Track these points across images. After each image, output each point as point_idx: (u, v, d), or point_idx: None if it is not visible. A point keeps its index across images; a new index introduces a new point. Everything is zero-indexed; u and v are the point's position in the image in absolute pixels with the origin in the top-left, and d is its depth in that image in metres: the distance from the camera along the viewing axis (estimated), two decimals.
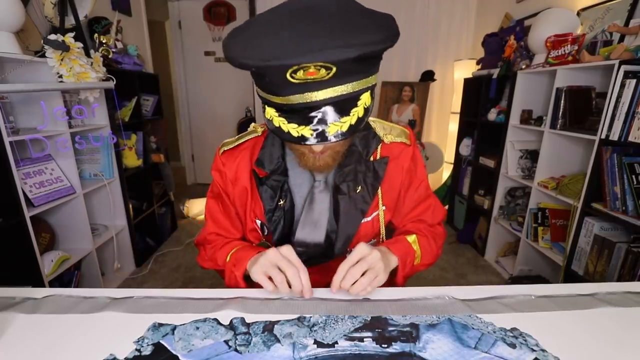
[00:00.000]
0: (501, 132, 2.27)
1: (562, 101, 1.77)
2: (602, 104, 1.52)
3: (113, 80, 1.85)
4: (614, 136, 1.44)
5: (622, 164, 1.44)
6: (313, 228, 0.76)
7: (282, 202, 0.75)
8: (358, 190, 0.75)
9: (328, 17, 0.50)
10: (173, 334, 0.53)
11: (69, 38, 1.60)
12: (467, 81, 2.78)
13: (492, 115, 2.41)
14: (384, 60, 0.57)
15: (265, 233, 0.78)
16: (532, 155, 2.20)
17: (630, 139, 1.38)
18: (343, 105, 0.55)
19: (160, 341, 0.52)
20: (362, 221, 0.77)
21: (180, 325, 0.55)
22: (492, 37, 2.55)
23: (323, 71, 0.49)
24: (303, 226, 0.76)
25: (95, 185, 1.96)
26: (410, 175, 0.81)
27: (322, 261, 0.77)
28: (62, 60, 1.58)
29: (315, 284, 0.64)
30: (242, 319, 0.57)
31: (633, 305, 0.61)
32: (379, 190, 0.77)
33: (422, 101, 3.12)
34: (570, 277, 1.72)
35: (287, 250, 0.63)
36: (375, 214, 0.78)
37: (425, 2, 3.20)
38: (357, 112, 0.56)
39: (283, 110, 0.56)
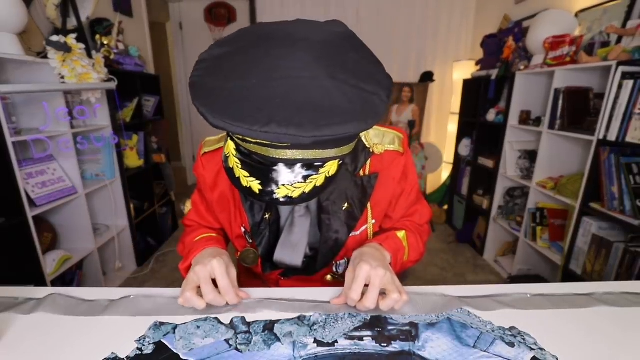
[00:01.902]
0: (500, 132, 2.28)
1: (560, 102, 1.78)
2: (600, 104, 1.53)
3: (114, 81, 1.86)
4: (612, 136, 1.45)
5: (620, 164, 1.45)
6: (291, 251, 0.74)
7: (267, 216, 0.72)
8: (345, 207, 0.71)
9: (309, 73, 0.44)
10: (174, 333, 0.54)
11: (71, 39, 1.61)
12: (466, 82, 2.79)
13: (491, 115, 2.42)
14: (383, 60, 0.53)
15: (251, 242, 0.76)
16: (530, 156, 2.21)
17: (628, 139, 1.39)
18: (302, 170, 0.48)
19: (162, 340, 0.53)
20: (351, 235, 0.74)
21: (182, 324, 0.56)
22: (491, 38, 2.55)
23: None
24: (282, 248, 0.74)
25: (97, 186, 1.97)
26: (401, 185, 0.76)
27: (301, 274, 0.76)
28: (64, 61, 1.59)
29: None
30: (243, 318, 0.57)
31: (630, 305, 0.61)
32: (368, 205, 0.74)
33: (422, 102, 3.13)
34: (569, 276, 1.73)
35: (217, 264, 0.59)
36: (364, 227, 0.76)
37: (425, 3, 3.21)
38: (316, 180, 0.49)
39: (240, 152, 0.50)
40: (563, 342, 0.52)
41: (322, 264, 0.74)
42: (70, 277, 1.82)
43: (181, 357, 0.50)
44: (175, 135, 4.83)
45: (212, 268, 0.59)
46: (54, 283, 1.61)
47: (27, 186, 1.54)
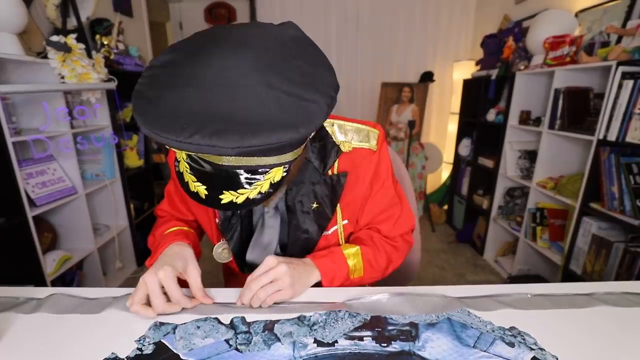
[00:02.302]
0: (500, 132, 2.28)
1: (560, 102, 1.78)
2: (600, 104, 1.53)
3: (114, 81, 1.86)
4: (612, 136, 1.45)
5: (620, 164, 1.45)
6: (262, 252, 0.74)
7: (238, 210, 0.71)
8: (314, 206, 0.70)
9: (247, 81, 0.44)
10: (174, 333, 0.54)
11: (70, 39, 1.61)
12: (466, 82, 2.79)
13: (491, 115, 2.42)
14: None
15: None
16: (530, 156, 2.21)
17: (628, 139, 1.39)
18: (245, 175, 0.49)
19: (162, 340, 0.53)
20: (323, 234, 0.73)
21: (182, 324, 0.56)
22: (491, 38, 2.55)
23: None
24: (253, 249, 0.74)
25: (97, 186, 1.97)
26: (372, 185, 0.74)
27: None
28: (64, 61, 1.59)
29: None
30: (243, 318, 0.57)
31: (631, 305, 0.61)
32: (338, 206, 0.72)
33: (422, 102, 3.13)
34: (569, 276, 1.73)
35: (163, 275, 0.58)
36: (333, 229, 0.74)
37: (425, 3, 3.21)
38: (261, 186, 0.49)
39: (190, 157, 0.50)
40: (563, 342, 0.52)
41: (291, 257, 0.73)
42: (70, 277, 1.82)
43: (181, 357, 0.50)
44: None
45: (160, 279, 0.58)
46: (54, 283, 1.61)
47: (27, 186, 1.54)
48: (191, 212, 0.81)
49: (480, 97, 2.57)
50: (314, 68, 0.50)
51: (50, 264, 1.62)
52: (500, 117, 2.34)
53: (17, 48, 1.47)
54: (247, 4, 3.39)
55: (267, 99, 0.44)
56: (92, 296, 0.64)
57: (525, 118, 2.11)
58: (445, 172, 3.42)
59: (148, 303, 0.58)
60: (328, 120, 0.71)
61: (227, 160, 0.46)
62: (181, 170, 0.52)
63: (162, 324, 0.56)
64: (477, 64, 2.71)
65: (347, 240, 0.78)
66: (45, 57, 1.57)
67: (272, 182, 0.50)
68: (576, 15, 2.03)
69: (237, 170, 0.48)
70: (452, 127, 3.20)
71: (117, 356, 0.50)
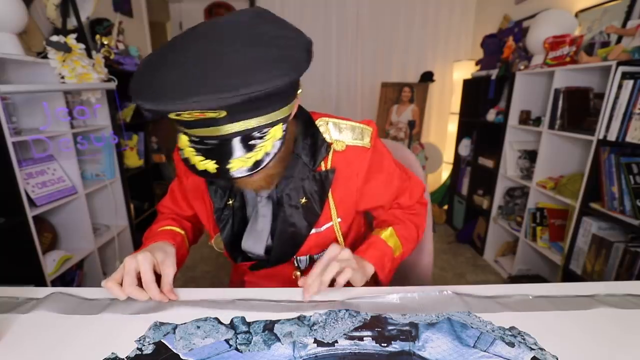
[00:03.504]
0: (500, 132, 2.28)
1: (560, 102, 1.78)
2: (600, 104, 1.53)
3: (115, 81, 1.86)
4: (612, 136, 1.45)
5: (620, 164, 1.45)
6: (256, 240, 0.75)
7: (231, 202, 0.74)
8: (303, 201, 0.71)
9: (224, 48, 0.48)
10: (174, 333, 0.54)
11: (70, 39, 1.61)
12: (466, 82, 2.79)
13: (491, 115, 2.42)
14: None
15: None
16: (530, 156, 2.21)
17: (628, 139, 1.39)
18: (248, 140, 0.52)
19: (162, 340, 0.53)
20: (312, 232, 0.74)
21: (182, 324, 0.56)
22: (491, 38, 2.55)
23: (211, 113, 0.47)
24: (248, 237, 0.76)
25: (97, 186, 1.97)
26: (371, 177, 0.76)
27: (268, 266, 0.77)
28: (64, 61, 1.59)
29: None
30: (243, 318, 0.57)
31: (633, 307, 0.61)
32: (331, 202, 0.74)
33: (422, 102, 3.13)
34: (569, 276, 1.73)
35: (142, 258, 0.61)
36: (328, 225, 0.75)
37: (425, 3, 3.21)
38: (264, 147, 0.52)
39: (192, 140, 0.54)
40: (563, 343, 0.52)
41: (280, 255, 0.75)
42: (71, 277, 1.82)
43: (181, 357, 0.50)
44: (175, 135, 4.82)
45: (137, 262, 0.61)
46: (54, 283, 1.61)
47: (27, 186, 1.54)
48: (191, 207, 0.84)
49: (480, 97, 2.57)
50: (288, 32, 0.53)
51: (50, 264, 1.62)
52: (500, 117, 2.34)
53: (17, 48, 1.47)
54: (247, 4, 3.39)
55: (253, 57, 0.47)
56: (92, 296, 0.64)
57: (525, 118, 2.11)
58: (445, 172, 3.42)
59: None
60: (323, 119, 0.73)
61: (226, 130, 0.50)
62: (186, 156, 0.54)
63: (162, 324, 0.56)
64: (477, 64, 2.71)
65: (345, 237, 0.80)
66: (45, 57, 1.57)
67: (274, 140, 0.53)
68: (576, 15, 2.03)
69: (238, 137, 0.51)
70: (452, 127, 3.20)
71: (117, 356, 0.50)
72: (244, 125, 0.50)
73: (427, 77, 3.14)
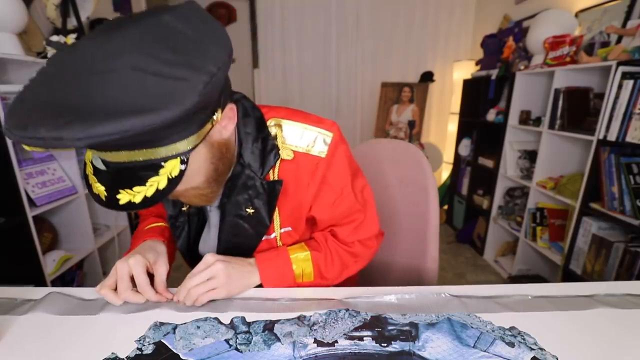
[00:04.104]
0: (500, 132, 2.28)
1: (560, 102, 1.78)
2: (600, 104, 1.53)
3: None
4: (612, 136, 1.45)
5: (620, 164, 1.45)
6: (208, 248, 0.74)
7: (185, 208, 0.70)
8: (250, 212, 0.67)
9: (112, 64, 0.40)
10: (174, 333, 0.54)
11: (71, 39, 1.61)
12: (466, 82, 2.79)
13: (491, 115, 2.42)
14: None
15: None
16: (530, 156, 2.21)
17: (628, 139, 1.39)
18: (137, 173, 0.46)
19: (162, 340, 0.53)
20: (263, 239, 0.71)
21: (181, 324, 0.56)
22: (491, 38, 2.55)
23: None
24: (204, 244, 0.75)
25: None
26: (321, 192, 0.70)
27: None
28: None
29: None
30: (243, 318, 0.57)
31: (632, 307, 0.61)
32: (276, 214, 0.69)
33: (422, 102, 3.13)
34: (569, 276, 1.73)
35: (133, 262, 0.60)
36: (274, 235, 0.72)
37: (425, 3, 3.21)
38: (157, 182, 0.46)
39: (93, 159, 0.48)
40: (563, 343, 0.52)
41: None
42: (70, 277, 1.82)
43: (181, 357, 0.50)
44: None
45: (130, 266, 0.60)
46: (54, 283, 1.61)
47: (27, 186, 1.53)
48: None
49: (480, 97, 2.57)
50: (197, 44, 0.44)
51: (50, 264, 1.62)
52: (500, 117, 2.34)
53: (17, 48, 1.47)
54: (247, 4, 3.38)
55: (129, 83, 0.39)
56: (89, 297, 0.64)
57: (525, 118, 2.11)
58: (445, 172, 3.42)
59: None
60: (275, 119, 0.67)
61: (111, 158, 0.45)
62: (87, 173, 0.50)
63: (162, 324, 0.56)
64: (477, 64, 2.71)
65: (298, 242, 0.76)
66: (45, 57, 1.57)
67: (170, 177, 0.47)
68: (576, 15, 2.03)
69: (131, 167, 0.45)
70: (452, 127, 3.20)
71: (117, 356, 0.50)
72: (129, 156, 0.44)
73: (427, 77, 3.14)
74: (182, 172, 0.48)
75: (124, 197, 0.46)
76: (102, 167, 0.47)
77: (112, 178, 0.46)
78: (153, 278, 0.64)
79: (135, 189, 0.46)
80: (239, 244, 0.71)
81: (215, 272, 0.61)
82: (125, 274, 0.60)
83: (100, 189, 0.47)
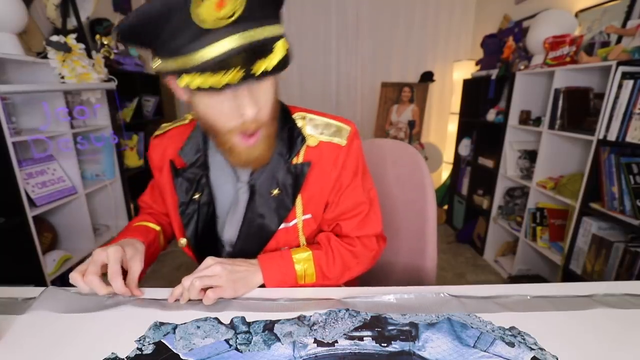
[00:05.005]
0: (500, 132, 2.28)
1: (560, 102, 1.78)
2: (600, 104, 1.53)
3: (114, 81, 1.86)
4: (612, 136, 1.45)
5: (620, 164, 1.45)
6: (232, 227, 0.75)
7: (197, 196, 0.72)
8: (275, 193, 0.70)
9: None
10: (174, 333, 0.54)
11: (70, 39, 1.61)
12: (466, 82, 2.79)
13: (491, 115, 2.42)
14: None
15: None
16: (530, 156, 2.21)
17: (628, 139, 1.39)
18: (266, 46, 0.53)
19: (162, 340, 0.53)
20: (281, 227, 0.72)
21: (182, 324, 0.56)
22: (491, 38, 2.55)
23: (228, 7, 0.47)
24: (230, 226, 0.75)
25: (97, 186, 1.97)
26: (340, 180, 0.73)
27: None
28: (64, 61, 1.59)
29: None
30: (243, 318, 0.57)
31: (631, 307, 0.61)
32: (300, 197, 0.72)
33: (422, 102, 3.13)
34: (569, 276, 1.73)
35: (112, 251, 0.61)
36: (294, 222, 0.73)
37: (425, 3, 3.21)
38: (280, 50, 0.54)
39: (198, 69, 0.52)
40: (563, 343, 0.52)
41: (245, 246, 0.73)
42: None
43: (181, 357, 0.50)
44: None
45: (107, 254, 0.61)
46: (54, 283, 1.62)
47: (27, 186, 1.54)
48: (164, 202, 0.82)
49: (480, 97, 2.57)
50: None
51: (50, 264, 1.62)
52: (500, 117, 2.34)
53: (17, 48, 1.47)
54: None
55: None
56: (91, 296, 0.64)
57: (525, 118, 2.11)
58: (445, 172, 3.42)
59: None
60: (299, 113, 0.74)
61: (237, 40, 0.50)
62: (197, 86, 0.52)
63: (162, 324, 0.56)
64: (477, 64, 2.71)
65: (310, 236, 0.77)
66: (45, 57, 1.57)
67: (285, 51, 0.55)
68: (576, 15, 2.03)
69: (251, 47, 0.51)
70: (452, 127, 3.20)
71: (117, 356, 0.50)
72: (250, 36, 0.51)
73: (427, 77, 3.14)
74: (288, 51, 0.56)
75: (259, 67, 0.52)
76: (225, 54, 0.51)
77: (246, 55, 0.51)
78: (126, 275, 0.65)
79: (261, 60, 0.52)
80: (262, 226, 0.72)
81: (216, 272, 0.62)
82: (99, 260, 0.61)
83: (224, 77, 0.51)
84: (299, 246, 0.75)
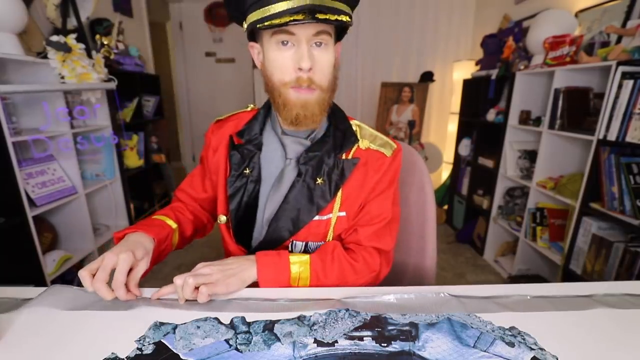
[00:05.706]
0: (500, 132, 2.28)
1: (560, 102, 1.78)
2: (600, 104, 1.53)
3: (114, 81, 1.86)
4: (612, 136, 1.45)
5: (620, 164, 1.45)
6: (274, 206, 0.76)
7: (247, 171, 0.76)
8: (319, 182, 0.73)
9: None
10: (174, 333, 0.54)
11: (70, 39, 1.61)
12: (466, 82, 2.79)
13: (491, 115, 2.42)
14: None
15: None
16: (530, 156, 2.21)
17: (628, 139, 1.39)
18: (324, 9, 0.61)
19: (162, 340, 0.53)
20: (315, 217, 0.74)
21: (181, 324, 0.56)
22: (491, 38, 2.55)
23: None
24: (271, 203, 0.76)
25: (97, 186, 1.97)
26: (377, 186, 0.76)
27: (266, 248, 0.76)
28: (64, 61, 1.59)
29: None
30: (243, 318, 0.57)
31: (631, 307, 0.61)
32: (340, 192, 0.75)
33: (422, 102, 3.13)
34: (569, 276, 1.73)
35: (122, 259, 0.63)
36: (328, 216, 0.75)
37: (425, 3, 3.21)
38: (341, 17, 0.62)
39: (274, 17, 0.61)
40: (563, 342, 0.52)
41: (277, 229, 0.75)
42: (70, 277, 1.82)
43: (181, 357, 0.50)
44: (175, 135, 4.82)
45: (118, 261, 0.63)
46: (54, 283, 1.61)
47: (27, 186, 1.54)
48: (205, 189, 0.87)
49: (480, 97, 2.57)
50: None
51: (50, 264, 1.62)
52: (500, 117, 2.34)
53: (17, 48, 1.47)
54: None
55: None
56: (90, 295, 0.64)
57: (525, 118, 2.11)
58: (445, 172, 3.42)
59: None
60: (355, 122, 0.81)
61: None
62: (268, 23, 0.62)
63: (162, 324, 0.56)
64: (477, 63, 2.71)
65: (340, 235, 0.78)
66: (45, 57, 1.57)
67: (349, 18, 0.65)
68: (576, 15, 2.03)
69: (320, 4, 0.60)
70: (452, 127, 3.20)
71: (117, 356, 0.50)
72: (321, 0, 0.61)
73: (427, 77, 3.14)
74: (349, 22, 0.66)
75: (321, 15, 0.61)
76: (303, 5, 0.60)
77: (313, 8, 0.60)
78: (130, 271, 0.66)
79: (332, 15, 0.62)
80: (298, 210, 0.74)
81: (206, 272, 0.64)
82: (108, 266, 0.62)
83: (291, 17, 0.60)
84: (326, 241, 0.78)
